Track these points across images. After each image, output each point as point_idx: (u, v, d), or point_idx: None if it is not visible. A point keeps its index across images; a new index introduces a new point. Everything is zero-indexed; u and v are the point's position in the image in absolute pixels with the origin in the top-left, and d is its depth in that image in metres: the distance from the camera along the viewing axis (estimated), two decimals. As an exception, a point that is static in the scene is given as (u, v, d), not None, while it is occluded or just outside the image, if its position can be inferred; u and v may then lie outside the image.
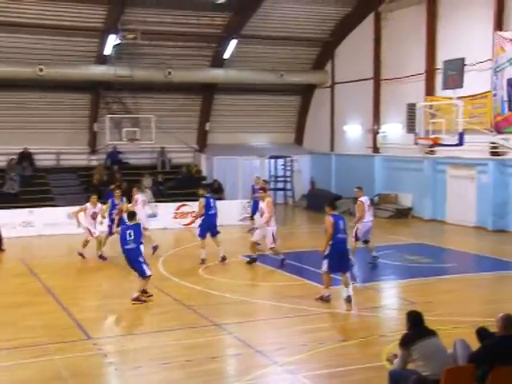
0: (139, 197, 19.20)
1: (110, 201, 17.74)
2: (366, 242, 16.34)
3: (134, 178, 24.91)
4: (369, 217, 16.16)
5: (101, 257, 17.26)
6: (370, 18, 27.44)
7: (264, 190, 16.87)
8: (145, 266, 12.53)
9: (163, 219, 23.24)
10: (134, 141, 26.37)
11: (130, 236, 12.36)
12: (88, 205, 17.38)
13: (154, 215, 21.82)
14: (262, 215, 16.19)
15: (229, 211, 23.76)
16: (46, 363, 9.49)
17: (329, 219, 12.11)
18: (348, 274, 12.63)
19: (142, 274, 12.53)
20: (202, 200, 16.60)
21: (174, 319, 11.65)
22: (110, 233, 17.42)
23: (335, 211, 12.43)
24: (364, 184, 25.95)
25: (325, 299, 12.38)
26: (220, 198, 26.20)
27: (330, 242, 12.14)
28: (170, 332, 10.88)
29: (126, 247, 12.40)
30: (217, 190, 27.14)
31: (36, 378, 9.11)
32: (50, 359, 9.63)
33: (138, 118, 26.89)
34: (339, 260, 12.21)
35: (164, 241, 21.36)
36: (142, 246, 12.57)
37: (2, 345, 10.38)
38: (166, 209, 23.78)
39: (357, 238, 16.04)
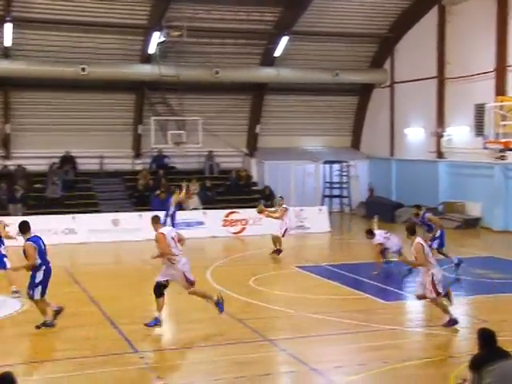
0: None
1: None
2: None
3: (180, 183, 25.00)
4: None
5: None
6: (434, 12, 27.29)
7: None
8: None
9: (211, 227, 23.58)
10: (180, 144, 26.50)
11: None
12: None
13: None
14: None
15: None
16: (91, 376, 9.67)
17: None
18: None
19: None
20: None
21: (224, 333, 11.72)
22: None
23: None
24: (427, 191, 26.11)
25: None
26: (271, 205, 26.51)
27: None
28: (220, 347, 10.96)
29: None
30: (268, 197, 27.34)
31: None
32: (94, 372, 9.81)
33: (184, 120, 27.13)
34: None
35: (212, 250, 21.61)
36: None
37: (46, 356, 10.66)
38: (215, 216, 24.05)
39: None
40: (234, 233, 23.85)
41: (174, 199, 19.15)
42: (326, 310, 13.11)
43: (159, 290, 11.80)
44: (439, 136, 27.23)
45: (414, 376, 9.70)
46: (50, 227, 21.56)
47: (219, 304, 12.13)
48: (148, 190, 25.73)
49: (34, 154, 26.47)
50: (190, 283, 11.87)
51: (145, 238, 19.24)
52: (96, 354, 10.53)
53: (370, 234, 16.54)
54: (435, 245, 16.49)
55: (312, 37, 28.00)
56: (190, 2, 25.32)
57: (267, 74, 28.38)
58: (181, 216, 22.69)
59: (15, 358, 10.52)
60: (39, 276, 11.69)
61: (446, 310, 11.79)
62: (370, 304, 13.74)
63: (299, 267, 17.61)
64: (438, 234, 16.58)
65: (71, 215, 22.74)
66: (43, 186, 25.58)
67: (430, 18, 27.35)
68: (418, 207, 17.20)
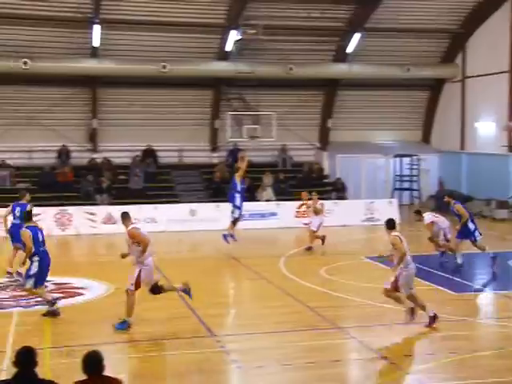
0: None
1: None
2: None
3: (254, 175, 25.19)
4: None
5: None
6: (506, 7, 26.40)
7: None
8: None
9: (284, 218, 23.75)
10: (255, 138, 26.83)
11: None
12: None
13: None
14: None
15: (352, 211, 23.83)
16: (171, 358, 9.91)
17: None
18: None
19: None
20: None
21: (296, 320, 11.79)
22: None
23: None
24: (498, 185, 25.42)
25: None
26: (342, 198, 26.38)
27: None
28: (292, 333, 11.03)
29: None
30: (340, 189, 27.20)
31: (161, 371, 9.54)
32: (174, 354, 10.03)
33: (258, 114, 27.24)
34: None
35: (285, 240, 21.69)
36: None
37: (127, 338, 10.93)
38: (288, 208, 24.19)
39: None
40: (306, 224, 23.75)
41: (237, 176, 18.69)
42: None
43: (157, 291, 11.48)
44: (511, 130, 26.41)
45: (482, 366, 9.50)
46: (133, 216, 22.05)
47: (124, 323, 11.15)
48: (224, 182, 25.96)
49: (118, 148, 27.17)
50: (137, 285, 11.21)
51: (221, 228, 19.47)
52: (174, 337, 10.75)
53: (419, 213, 16.27)
54: (478, 236, 16.09)
55: (384, 33, 27.47)
56: (265, 1, 25.41)
57: (340, 69, 28.13)
58: (255, 207, 23.17)
59: (100, 338, 10.78)
60: (34, 268, 11.80)
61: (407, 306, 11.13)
62: (439, 295, 13.51)
63: (369, 258, 17.45)
64: (472, 227, 16.05)
65: (153, 205, 23.29)
66: (127, 177, 26.24)
67: (503, 12, 26.47)
68: (451, 196, 16.80)
